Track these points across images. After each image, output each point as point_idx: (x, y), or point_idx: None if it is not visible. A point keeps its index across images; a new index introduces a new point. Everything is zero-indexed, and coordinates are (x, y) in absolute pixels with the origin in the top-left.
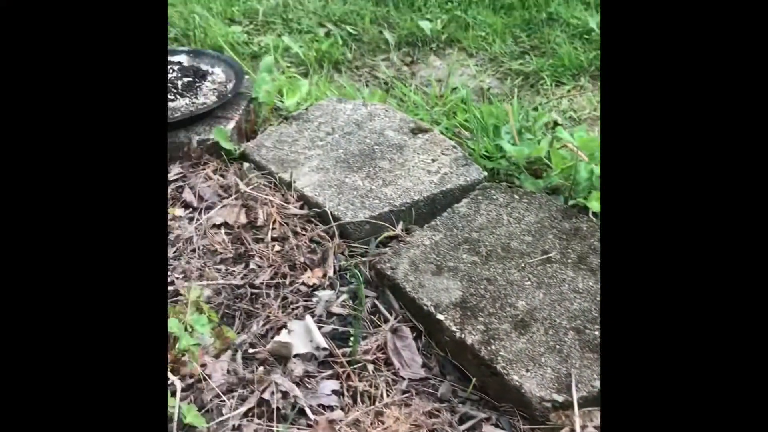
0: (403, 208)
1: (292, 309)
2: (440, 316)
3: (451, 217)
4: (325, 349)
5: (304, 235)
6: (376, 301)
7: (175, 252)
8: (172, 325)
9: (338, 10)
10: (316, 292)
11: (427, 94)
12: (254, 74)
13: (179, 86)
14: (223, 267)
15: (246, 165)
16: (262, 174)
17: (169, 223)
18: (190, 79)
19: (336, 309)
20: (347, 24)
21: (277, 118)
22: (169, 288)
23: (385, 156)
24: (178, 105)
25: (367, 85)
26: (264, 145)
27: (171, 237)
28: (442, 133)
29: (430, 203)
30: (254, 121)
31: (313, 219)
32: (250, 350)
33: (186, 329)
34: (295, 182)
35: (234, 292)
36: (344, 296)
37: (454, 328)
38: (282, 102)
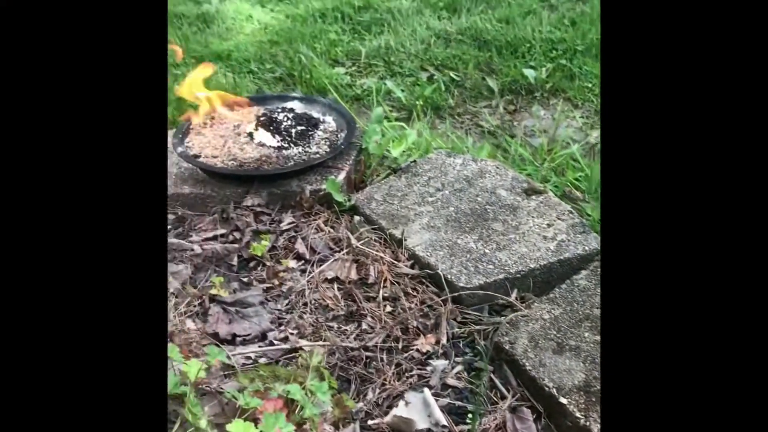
0: (518, 275)
1: (407, 377)
2: (563, 400)
3: (571, 290)
4: (444, 426)
5: (415, 296)
6: (493, 376)
7: (287, 305)
8: (294, 390)
9: (440, 54)
10: (430, 361)
11: (533, 146)
12: (357, 117)
13: (293, 134)
14: (335, 324)
15: (356, 218)
16: (373, 228)
17: (282, 274)
18: (303, 127)
19: (451, 381)
20: (449, 69)
21: (384, 168)
22: (284, 345)
23: (498, 217)
24: (292, 153)
25: (468, 133)
26: (374, 197)
27: (284, 288)
28: (554, 194)
29: (546, 272)
30: (363, 171)
31: (424, 280)
32: (369, 421)
33: (306, 394)
34: (405, 240)
35: (347, 354)
36: (459, 367)
37: (578, 414)
38: (388, 151)
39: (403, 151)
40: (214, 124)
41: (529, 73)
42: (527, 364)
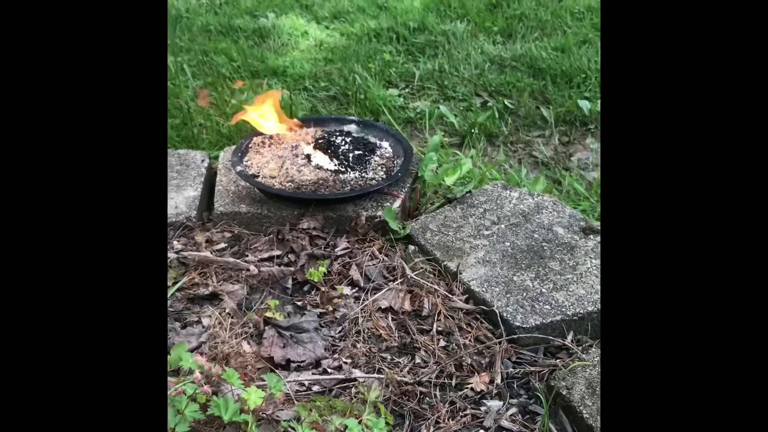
0: (575, 318)
1: (461, 416)
2: None
3: None
4: None
5: (469, 332)
6: (549, 421)
7: (340, 332)
8: (352, 425)
9: (494, 80)
10: (484, 401)
11: (588, 180)
12: (408, 139)
13: (350, 159)
14: (388, 356)
15: (411, 248)
16: (427, 259)
17: (336, 300)
18: (360, 152)
19: (505, 423)
20: (503, 95)
21: (438, 197)
22: (338, 375)
23: (555, 256)
24: (348, 178)
25: (521, 163)
26: (429, 227)
27: (337, 315)
28: None
29: None
30: (418, 199)
31: (479, 316)
32: None
33: (363, 429)
34: (461, 273)
35: (401, 388)
36: (514, 409)
37: None
38: (443, 180)
39: (458, 179)
40: (273, 143)
41: (583, 104)
42: (584, 411)
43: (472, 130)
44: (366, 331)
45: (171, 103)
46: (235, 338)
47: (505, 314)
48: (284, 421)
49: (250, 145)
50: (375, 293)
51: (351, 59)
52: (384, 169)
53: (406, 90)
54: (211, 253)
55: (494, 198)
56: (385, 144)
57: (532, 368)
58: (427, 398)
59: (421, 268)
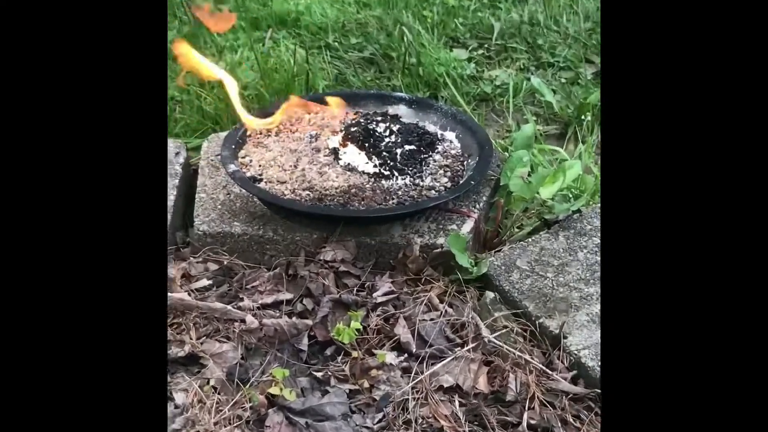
0: None
1: None
2: None
3: None
4: None
5: (578, 428)
6: None
7: (380, 421)
8: None
9: None
10: None
11: None
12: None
13: (398, 157)
14: None
15: (489, 295)
16: (513, 314)
17: (374, 372)
18: (413, 146)
19: None
20: None
21: (530, 217)
22: None
23: None
24: (395, 186)
25: None
26: (515, 264)
27: (376, 395)
28: None
29: None
30: (500, 220)
31: (593, 404)
32: None
33: None
34: (565, 337)
35: None
36: None
37: None
38: (537, 192)
39: (560, 191)
40: (282, 131)
41: None
42: None
43: (581, 116)
44: (420, 421)
45: None
46: (224, 426)
47: None
48: None
49: (248, 134)
50: (434, 364)
51: (396, 4)
52: (448, 174)
53: (480, 52)
54: (189, 294)
55: None
56: (450, 135)
57: None
58: None
59: (504, 327)
